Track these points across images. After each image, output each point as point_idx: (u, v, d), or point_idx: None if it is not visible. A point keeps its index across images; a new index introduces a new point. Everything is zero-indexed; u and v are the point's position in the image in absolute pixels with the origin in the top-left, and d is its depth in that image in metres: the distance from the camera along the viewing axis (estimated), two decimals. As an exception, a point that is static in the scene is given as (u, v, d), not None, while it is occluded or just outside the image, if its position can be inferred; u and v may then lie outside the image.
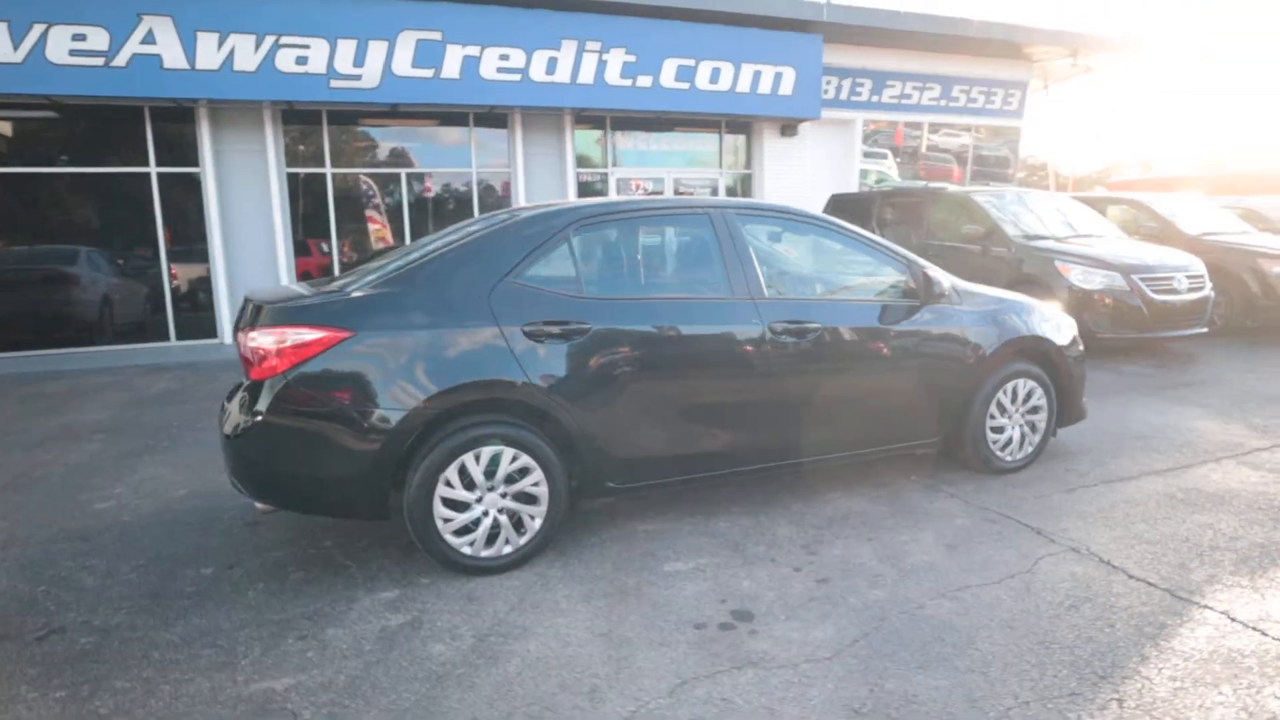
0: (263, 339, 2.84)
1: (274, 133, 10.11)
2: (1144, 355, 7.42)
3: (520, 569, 3.11)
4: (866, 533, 3.43)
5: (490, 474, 2.99)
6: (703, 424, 3.37)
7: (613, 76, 10.69)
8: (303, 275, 10.66)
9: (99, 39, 8.54)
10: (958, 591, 2.89)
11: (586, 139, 12.07)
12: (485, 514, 3.01)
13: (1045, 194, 9.61)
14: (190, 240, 10.13)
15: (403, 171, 11.08)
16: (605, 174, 12.16)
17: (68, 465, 4.73)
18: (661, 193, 12.38)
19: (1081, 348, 4.37)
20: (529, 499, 3.08)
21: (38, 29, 8.29)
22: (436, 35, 9.76)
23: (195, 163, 9.88)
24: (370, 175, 11.01)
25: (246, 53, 9.05)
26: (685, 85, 11.07)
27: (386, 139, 11.06)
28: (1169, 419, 5.18)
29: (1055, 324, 4.23)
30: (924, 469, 4.22)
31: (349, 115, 10.64)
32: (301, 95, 9.49)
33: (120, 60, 8.64)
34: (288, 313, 2.89)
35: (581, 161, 11.98)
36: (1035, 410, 4.13)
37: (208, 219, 9.96)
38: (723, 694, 2.29)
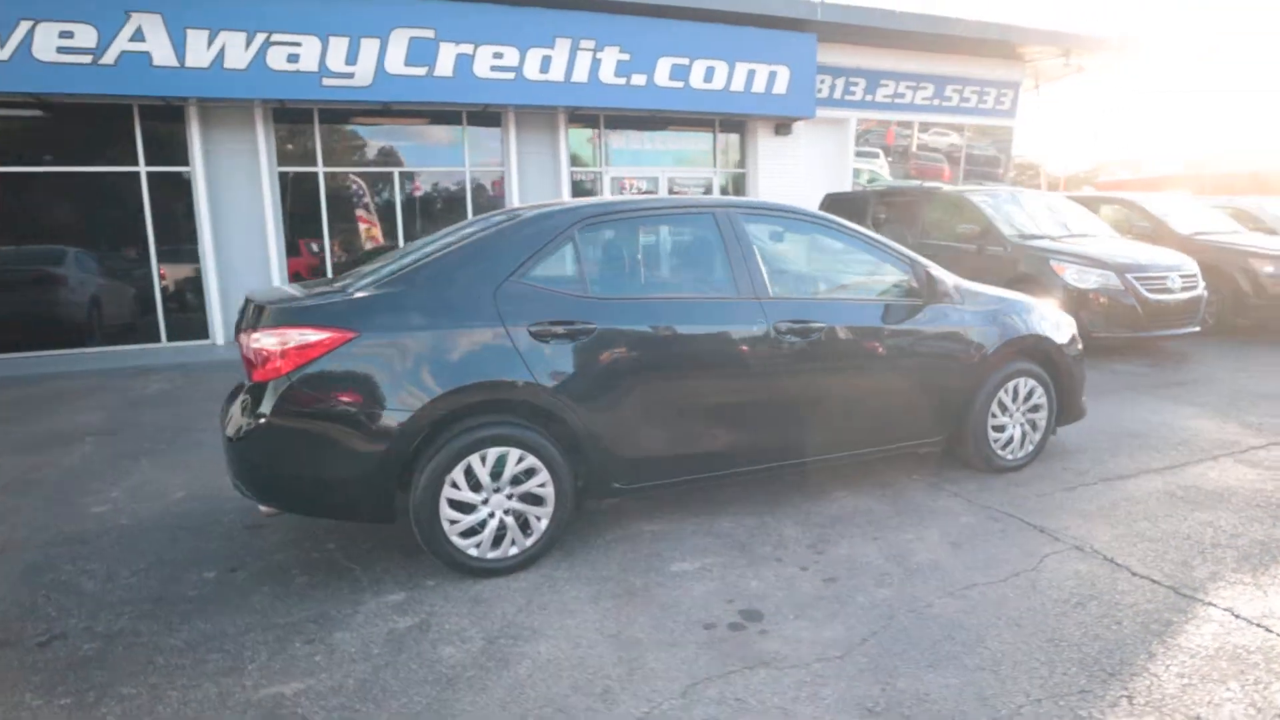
0: (266, 340, 2.81)
1: (265, 131, 10.04)
2: (1137, 354, 7.48)
3: (527, 570, 3.10)
4: (872, 531, 3.44)
5: (496, 475, 2.98)
6: (708, 424, 3.37)
7: (607, 75, 10.67)
8: (294, 275, 10.59)
9: (87, 36, 8.45)
10: (964, 590, 2.89)
11: (580, 138, 12.05)
12: (491, 515, 3.00)
13: (1039, 193, 9.66)
14: (180, 240, 10.04)
15: (395, 171, 11.03)
16: (599, 173, 12.14)
17: (62, 469, 4.68)
18: (655, 192, 12.37)
19: (1080, 346, 4.39)
20: (535, 500, 3.07)
21: (24, 26, 8.20)
22: (429, 33, 9.72)
23: (185, 162, 9.80)
24: (363, 174, 10.95)
25: (237, 50, 8.98)
26: (680, 84, 11.07)
27: (379, 138, 11.00)
28: (1164, 417, 5.22)
29: (1055, 323, 4.25)
30: (926, 468, 4.23)
31: (341, 114, 10.58)
32: (293, 94, 9.43)
33: (109, 58, 8.56)
34: (291, 313, 2.86)
35: (575, 161, 11.96)
36: (1036, 409, 4.15)
37: (198, 219, 9.88)
38: (735, 694, 2.29)
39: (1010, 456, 4.12)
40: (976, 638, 2.57)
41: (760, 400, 3.44)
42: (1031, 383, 4.10)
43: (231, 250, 10.11)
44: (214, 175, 9.92)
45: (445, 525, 2.93)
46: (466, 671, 2.42)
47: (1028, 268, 7.30)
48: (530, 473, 3.03)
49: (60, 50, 8.36)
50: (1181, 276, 7.14)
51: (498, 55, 10.10)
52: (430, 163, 11.32)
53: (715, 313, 3.38)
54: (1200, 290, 7.30)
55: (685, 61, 11.02)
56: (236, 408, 3.01)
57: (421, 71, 9.78)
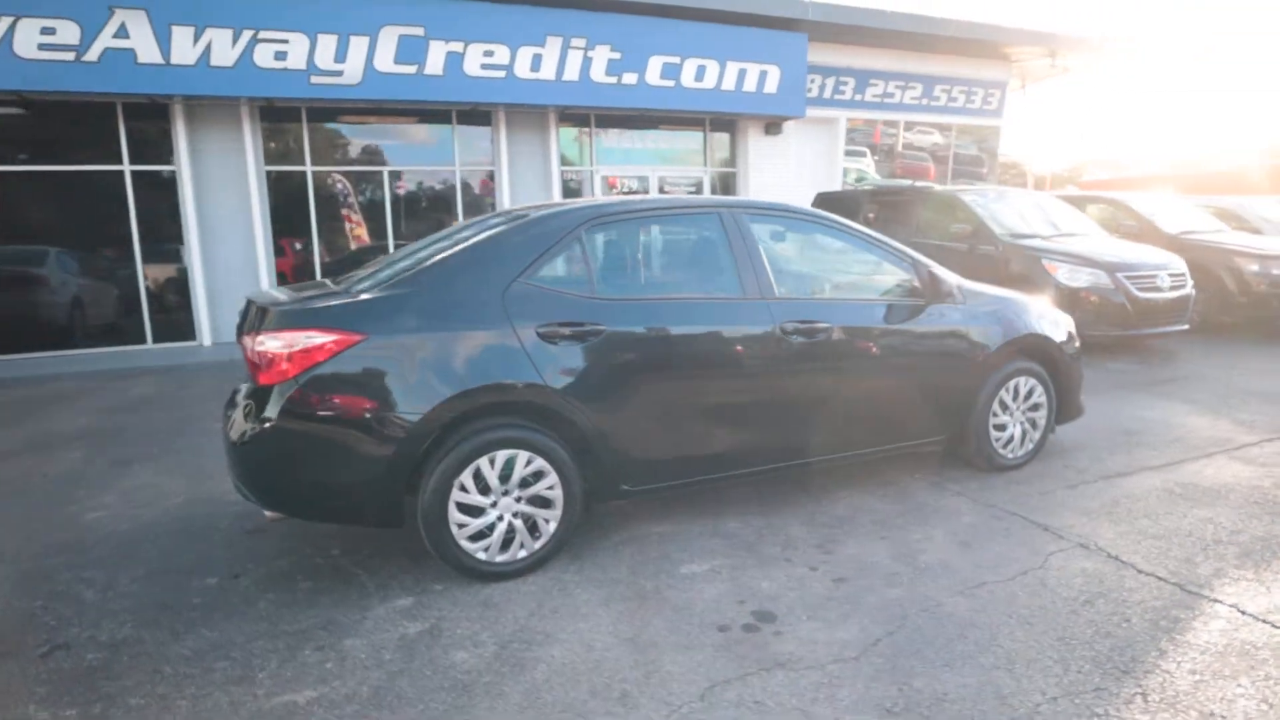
0: (271, 343, 2.77)
1: (252, 130, 9.92)
2: (1127, 352, 7.56)
3: (535, 573, 3.08)
4: (878, 531, 3.45)
5: (505, 478, 2.96)
6: (716, 424, 3.36)
7: (598, 74, 10.64)
8: (281, 276, 10.47)
9: (69, 33, 8.30)
10: (974, 589, 2.91)
11: (570, 137, 12.01)
12: (500, 518, 2.98)
13: (1027, 192, 9.74)
14: (166, 240, 9.90)
15: (384, 170, 10.94)
16: (590, 172, 12.11)
17: (52, 474, 4.59)
18: (647, 191, 12.36)
19: (1078, 344, 4.43)
20: (544, 503, 3.05)
21: (4, 21, 8.04)
22: (419, 31, 9.64)
23: (171, 161, 9.67)
24: (352, 174, 10.85)
25: (224, 48, 8.86)
26: (671, 83, 11.06)
27: (368, 137, 10.90)
28: (1158, 414, 5.27)
29: (1054, 321, 4.29)
30: (928, 467, 4.25)
31: (330, 112, 10.47)
32: (281, 92, 9.32)
33: (92, 55, 8.41)
34: (297, 315, 2.82)
35: (565, 160, 11.92)
36: (1036, 408, 4.18)
37: (184, 218, 9.75)
38: (754, 696, 2.28)
39: (1011, 455, 4.15)
40: (989, 637, 2.58)
41: (766, 400, 3.44)
42: (1032, 381, 4.13)
43: (218, 250, 9.98)
44: (200, 174, 9.79)
45: (454, 529, 2.90)
46: (482, 677, 2.40)
47: (1019, 267, 7.35)
48: (539, 475, 3.01)
49: (42, 47, 8.21)
50: (1170, 275, 7.22)
51: (488, 53, 10.04)
52: (420, 162, 11.25)
53: (722, 313, 3.37)
54: (1188, 289, 7.39)
55: (676, 60, 11.01)
56: (240, 411, 2.96)
57: (411, 70, 9.70)
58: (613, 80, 10.77)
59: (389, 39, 9.50)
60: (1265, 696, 2.24)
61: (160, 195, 9.77)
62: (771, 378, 3.43)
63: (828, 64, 12.75)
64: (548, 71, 10.39)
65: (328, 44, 9.25)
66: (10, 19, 8.05)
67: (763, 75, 11.57)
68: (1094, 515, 3.57)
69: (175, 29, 8.61)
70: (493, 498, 2.95)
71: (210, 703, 2.31)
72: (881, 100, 13.55)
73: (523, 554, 3.03)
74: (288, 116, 10.25)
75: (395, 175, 11.05)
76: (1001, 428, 4.10)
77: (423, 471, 2.87)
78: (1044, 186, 22.66)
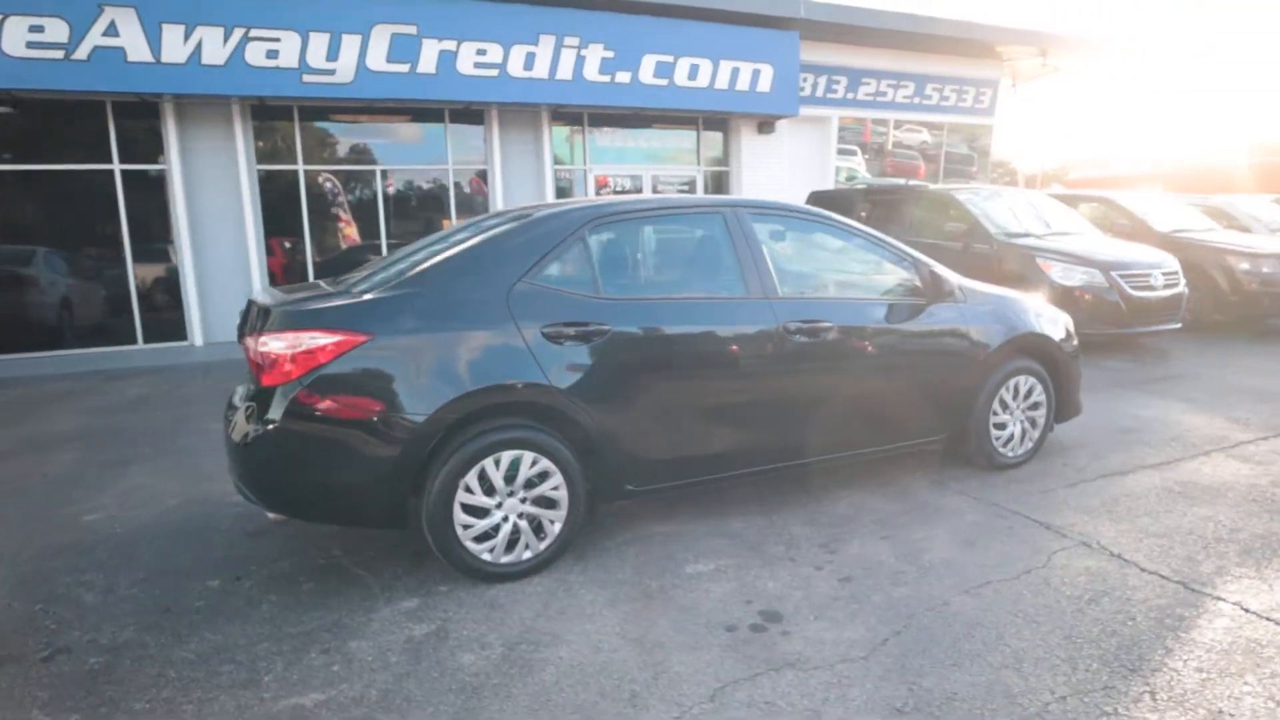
0: (275, 344, 2.75)
1: (243, 129, 9.84)
2: (1121, 351, 7.61)
3: (540, 574, 3.06)
4: (881, 530, 3.45)
5: (510, 479, 2.94)
6: (719, 424, 3.36)
7: (591, 72, 10.62)
8: (273, 275, 10.40)
9: (58, 30, 8.22)
10: (979, 588, 2.91)
11: (563, 136, 11.98)
12: (505, 519, 2.96)
13: (1021, 191, 9.79)
14: (156, 239, 9.83)
15: (377, 169, 10.88)
16: (584, 171, 12.08)
17: (46, 476, 4.54)
18: (640, 190, 12.35)
19: (1076, 343, 4.45)
20: (549, 503, 3.04)
21: (-8, 20, 7.96)
22: (412, 29, 9.60)
23: (161, 160, 9.58)
24: (344, 173, 10.78)
25: (215, 46, 8.79)
26: (664, 81, 11.05)
27: (360, 136, 10.84)
28: (1154, 413, 5.31)
29: (1052, 320, 4.31)
30: (928, 466, 4.26)
31: (322, 111, 10.41)
32: (273, 90, 9.26)
33: (81, 53, 8.34)
34: (300, 316, 2.80)
35: (558, 159, 11.89)
36: (1036, 406, 4.20)
37: (175, 217, 9.67)
38: (764, 697, 2.28)
39: (1011, 454, 4.16)
40: (996, 636, 2.58)
41: (769, 400, 3.44)
42: (1031, 380, 4.14)
43: (209, 249, 9.91)
44: (191, 173, 9.71)
45: (459, 530, 2.88)
46: (490, 679, 2.39)
47: (1013, 265, 7.39)
48: (544, 476, 3.00)
49: (30, 45, 8.13)
50: (1163, 274, 7.27)
51: (481, 52, 10.00)
52: (412, 161, 11.20)
53: (726, 313, 3.37)
54: (1181, 287, 7.44)
55: (670, 59, 11.00)
56: (242, 413, 2.93)
57: (404, 68, 9.66)
58: (606, 79, 10.75)
59: (381, 37, 9.46)
60: (1272, 694, 2.25)
61: (150, 194, 9.69)
62: (775, 377, 3.42)
63: (820, 63, 12.77)
64: (541, 70, 10.36)
65: (320, 42, 9.19)
66: (-2, 16, 7.96)
67: (756, 74, 11.58)
68: (1095, 513, 3.59)
69: (165, 27, 8.54)
70: (498, 499, 2.94)
71: (216, 706, 2.29)
72: (874, 99, 13.58)
73: (528, 555, 3.02)
74: (279, 115, 10.19)
75: (387, 175, 10.99)
76: (1002, 426, 4.12)
77: (427, 473, 2.85)
78: (1035, 185, 22.79)
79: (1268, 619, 2.66)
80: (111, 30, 8.38)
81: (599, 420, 3.06)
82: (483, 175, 11.42)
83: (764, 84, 11.67)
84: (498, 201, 11.28)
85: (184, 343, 9.88)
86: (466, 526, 2.90)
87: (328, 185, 10.65)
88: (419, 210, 11.34)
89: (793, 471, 3.68)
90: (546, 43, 10.28)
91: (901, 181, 10.63)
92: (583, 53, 10.50)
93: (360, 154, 10.88)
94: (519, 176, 11.49)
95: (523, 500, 2.98)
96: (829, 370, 3.55)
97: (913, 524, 3.52)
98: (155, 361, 8.73)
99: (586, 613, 2.79)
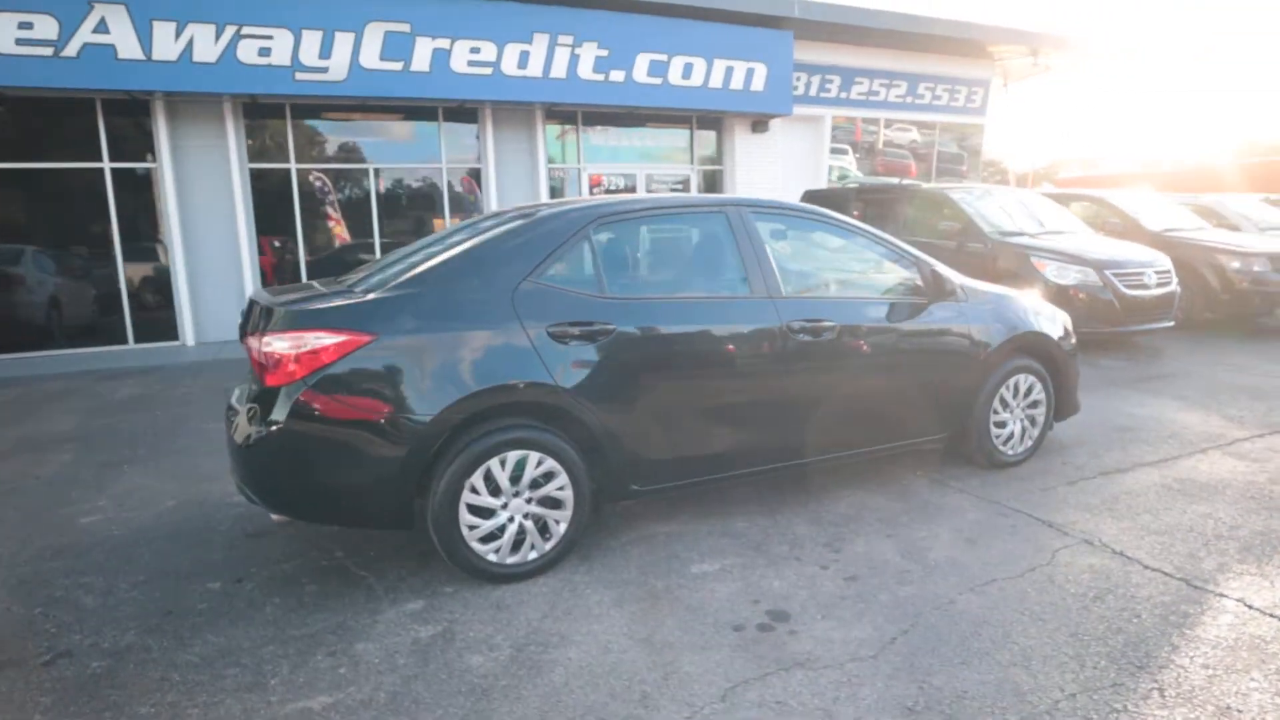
0: (278, 344, 2.72)
1: (235, 127, 9.77)
2: (1115, 349, 7.65)
3: (546, 575, 3.05)
4: (884, 529, 3.46)
5: (516, 479, 2.93)
6: (724, 424, 3.35)
7: (585, 71, 10.60)
8: (264, 274, 10.33)
9: (47, 27, 8.14)
10: (984, 586, 2.92)
11: (557, 134, 11.95)
12: (511, 520, 2.95)
13: (1013, 190, 9.83)
14: (147, 238, 9.76)
15: (370, 167, 10.82)
16: (578, 170, 12.06)
17: (41, 478, 4.49)
18: (635, 189, 12.34)
19: (1074, 341, 4.47)
20: (554, 504, 3.03)
21: (-19, 16, 7.87)
22: (405, 27, 9.55)
23: (152, 158, 9.50)
24: (337, 171, 10.72)
25: (206, 43, 8.73)
26: (658, 80, 11.04)
27: (353, 134, 10.78)
28: (1150, 411, 5.34)
29: (1051, 319, 4.32)
30: (928, 464, 4.27)
31: (314, 109, 10.35)
32: (265, 88, 9.20)
33: (71, 50, 8.26)
34: (305, 316, 2.78)
35: (552, 157, 11.86)
36: (1035, 405, 4.22)
37: (166, 216, 9.59)
38: (776, 697, 2.27)
39: (1011, 452, 4.18)
40: (1003, 634, 2.59)
41: (773, 399, 3.44)
42: (1031, 378, 4.16)
43: (201, 248, 9.83)
44: (182, 172, 9.63)
45: (464, 531, 2.87)
46: (499, 681, 2.38)
47: (1007, 264, 7.42)
48: (549, 476, 2.99)
49: (19, 42, 8.05)
50: (1156, 272, 7.32)
51: (475, 50, 9.97)
52: (406, 159, 11.14)
53: (730, 312, 3.36)
54: (1174, 286, 7.49)
55: (664, 58, 10.99)
56: (244, 414, 2.91)
57: (397, 66, 9.62)
58: (600, 77, 10.73)
59: (375, 35, 9.41)
60: (1279, 689, 2.27)
61: (141, 193, 9.61)
62: (778, 376, 3.42)
63: (814, 62, 12.79)
64: (535, 68, 10.33)
65: (312, 40, 9.14)
66: (-14, 13, 7.87)
67: (750, 73, 11.59)
68: (1096, 511, 3.61)
69: (157, 24, 8.47)
70: (504, 499, 2.92)
71: (222, 710, 2.27)
72: (867, 98, 13.62)
73: (533, 555, 3.01)
74: (271, 113, 10.12)
75: (380, 173, 10.94)
76: (1002, 425, 4.13)
77: (433, 473, 2.83)
78: (1026, 184, 22.92)
79: (1271, 615, 2.68)
80: (102, 27, 8.30)
81: (604, 420, 3.05)
82: (477, 174, 11.38)
83: (758, 83, 11.68)
84: (491, 200, 11.25)
85: (175, 342, 9.81)
86: (472, 527, 2.88)
87: (318, 185, 10.58)
88: (412, 209, 11.29)
89: (794, 471, 3.68)
90: (541, 41, 10.25)
91: (895, 180, 10.65)
92: (577, 51, 10.48)
93: (353, 152, 10.82)
94: (513, 175, 11.46)
95: (528, 500, 2.97)
96: (832, 369, 3.55)
97: (915, 523, 3.53)
98: (146, 361, 8.65)
99: (593, 613, 2.78)
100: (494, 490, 2.90)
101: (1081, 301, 6.98)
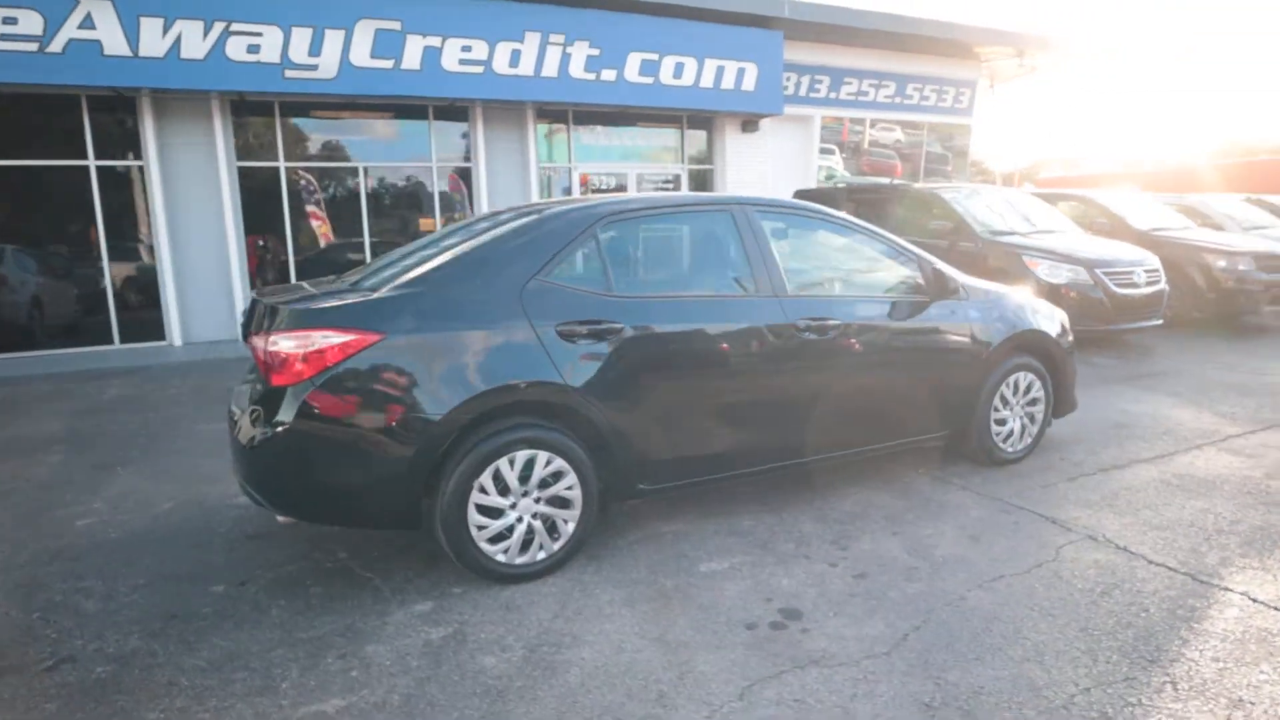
0: (285, 343, 2.69)
1: (223, 124, 9.65)
2: (1106, 347, 7.73)
3: (554, 575, 3.03)
4: (890, 527, 3.47)
5: (524, 479, 2.91)
6: (729, 422, 3.35)
7: (576, 70, 10.58)
8: (253, 274, 10.23)
9: (32, 23, 8.01)
10: (993, 582, 2.93)
11: (548, 133, 11.91)
12: (519, 520, 2.93)
13: (1002, 189, 9.90)
14: (134, 237, 9.63)
15: (360, 165, 10.74)
16: (568, 169, 12.02)
17: (33, 480, 4.41)
18: (625, 188, 12.32)
19: (1071, 339, 4.51)
20: (563, 503, 3.01)
21: (-37, 11, 7.73)
22: (396, 25, 9.48)
23: (138, 155, 9.37)
24: (326, 170, 10.63)
25: (194, 40, 8.62)
26: (649, 80, 11.03)
27: (343, 132, 10.69)
28: (1144, 408, 5.40)
29: (1049, 317, 4.36)
30: (929, 462, 4.29)
31: (303, 107, 10.26)
32: (254, 86, 9.11)
33: (56, 46, 8.13)
34: (311, 315, 2.74)
35: (543, 156, 11.82)
36: (1034, 402, 4.25)
37: (153, 215, 9.46)
38: (793, 695, 2.27)
39: (1011, 449, 4.21)
40: (1014, 630, 2.60)
41: (778, 397, 3.44)
42: (1030, 376, 4.19)
43: (188, 247, 9.71)
44: (169, 170, 9.51)
45: (473, 531, 2.84)
46: (514, 682, 2.36)
47: (999, 263, 7.46)
48: (558, 475, 2.97)
49: (3, 37, 7.92)
50: (1146, 271, 7.40)
51: (466, 48, 9.91)
52: (396, 158, 11.06)
53: (737, 310, 3.36)
54: (1162, 284, 7.57)
55: (655, 57, 10.99)
56: (249, 414, 2.87)
57: (388, 64, 9.54)
58: (591, 76, 10.71)
59: (365, 33, 9.34)
60: (1287, 682, 2.29)
61: (127, 191, 9.49)
62: (783, 374, 3.42)
63: (804, 62, 12.83)
64: (526, 67, 10.29)
65: (302, 37, 9.05)
66: (-33, 8, 7.73)
67: (740, 73, 11.61)
68: (1097, 507, 3.64)
69: (144, 20, 8.36)
70: (512, 499, 2.90)
71: (234, 715, 2.23)
72: (856, 98, 13.68)
73: (542, 555, 2.99)
74: (260, 111, 10.02)
75: (371, 171, 10.86)
76: (1002, 422, 4.16)
77: (441, 473, 2.81)
78: (1012, 184, 23.12)
79: (1276, 608, 2.71)
80: (88, 23, 8.18)
81: (612, 419, 3.04)
82: (466, 173, 11.32)
83: (748, 83, 11.70)
84: (481, 198, 11.19)
85: (162, 342, 9.68)
86: (481, 527, 2.86)
87: (303, 182, 10.48)
88: (402, 208, 11.22)
89: (797, 469, 3.69)
90: (532, 40, 10.22)
91: (885, 180, 10.71)
92: (568, 50, 10.45)
93: (343, 151, 10.73)
94: (503, 174, 11.40)
95: (537, 500, 2.95)
96: (837, 367, 3.56)
97: (920, 520, 3.54)
98: (133, 362, 8.53)
99: (605, 613, 2.76)
100: (503, 490, 2.88)
101: (1073, 300, 7.04)
